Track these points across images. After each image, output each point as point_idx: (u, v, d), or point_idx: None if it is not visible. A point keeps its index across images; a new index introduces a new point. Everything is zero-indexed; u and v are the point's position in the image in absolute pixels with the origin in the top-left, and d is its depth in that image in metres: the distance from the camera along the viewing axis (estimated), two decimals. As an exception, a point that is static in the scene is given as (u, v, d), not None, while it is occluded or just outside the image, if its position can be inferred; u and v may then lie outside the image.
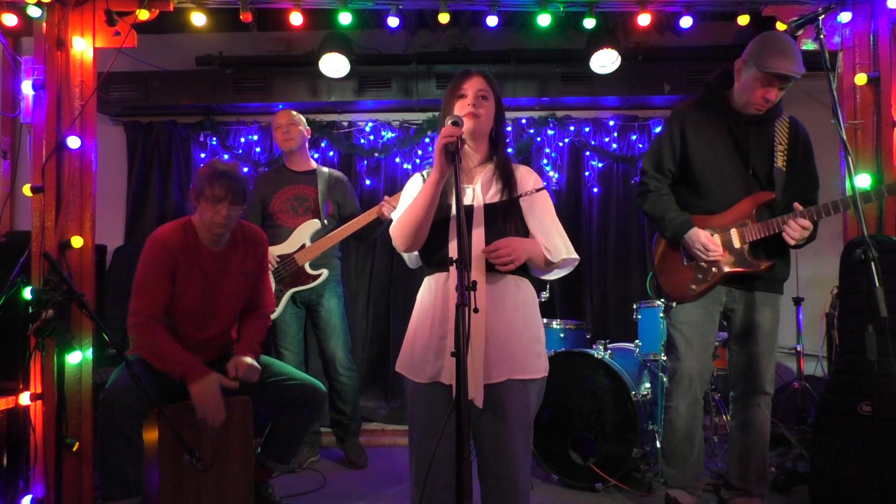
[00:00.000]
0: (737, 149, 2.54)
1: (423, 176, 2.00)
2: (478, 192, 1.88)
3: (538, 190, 1.91)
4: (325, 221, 3.47)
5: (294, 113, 3.56)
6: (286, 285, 3.42)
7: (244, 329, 2.68)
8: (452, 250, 1.82)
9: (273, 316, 3.38)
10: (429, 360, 1.83)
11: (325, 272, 3.45)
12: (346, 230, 3.41)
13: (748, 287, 2.57)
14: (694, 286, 2.55)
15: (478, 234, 1.82)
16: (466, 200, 1.87)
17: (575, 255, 1.90)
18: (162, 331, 2.43)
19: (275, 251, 3.41)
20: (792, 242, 2.43)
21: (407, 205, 1.90)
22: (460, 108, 1.87)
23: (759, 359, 2.56)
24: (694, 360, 2.57)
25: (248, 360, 2.53)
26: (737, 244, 2.51)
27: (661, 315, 3.28)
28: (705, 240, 2.48)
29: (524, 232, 1.88)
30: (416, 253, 1.93)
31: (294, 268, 3.41)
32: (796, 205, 2.44)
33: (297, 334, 3.50)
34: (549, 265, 1.87)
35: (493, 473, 1.79)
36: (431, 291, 1.89)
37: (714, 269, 2.53)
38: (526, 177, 1.95)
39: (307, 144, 3.63)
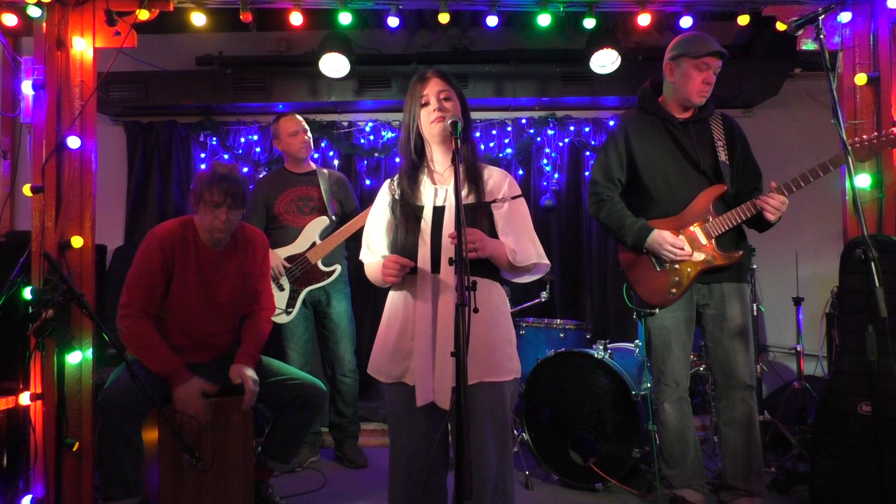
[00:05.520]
0: (680, 150, 2.63)
1: (391, 182, 2.02)
2: (450, 193, 1.90)
3: (514, 198, 1.94)
4: (333, 218, 3.46)
5: (302, 119, 3.54)
6: (301, 284, 3.40)
7: (244, 334, 2.67)
8: (423, 254, 1.86)
9: (288, 319, 3.38)
10: (395, 361, 1.88)
11: (338, 267, 3.45)
12: (353, 226, 3.38)
13: (717, 280, 2.61)
14: (674, 290, 2.58)
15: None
16: (438, 202, 1.91)
17: (546, 262, 1.95)
18: (150, 326, 2.43)
19: (282, 253, 3.38)
20: (772, 218, 2.49)
21: (377, 220, 1.99)
22: (427, 116, 1.91)
23: (736, 352, 2.58)
24: (677, 361, 2.62)
25: (250, 373, 2.52)
26: (703, 240, 2.57)
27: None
28: (672, 239, 2.53)
29: (493, 235, 1.90)
30: None
31: (307, 266, 3.39)
32: (773, 183, 2.51)
33: (303, 335, 3.47)
34: (513, 268, 1.90)
35: None
36: (400, 294, 1.92)
37: (689, 268, 2.57)
38: (500, 181, 1.97)
39: None
